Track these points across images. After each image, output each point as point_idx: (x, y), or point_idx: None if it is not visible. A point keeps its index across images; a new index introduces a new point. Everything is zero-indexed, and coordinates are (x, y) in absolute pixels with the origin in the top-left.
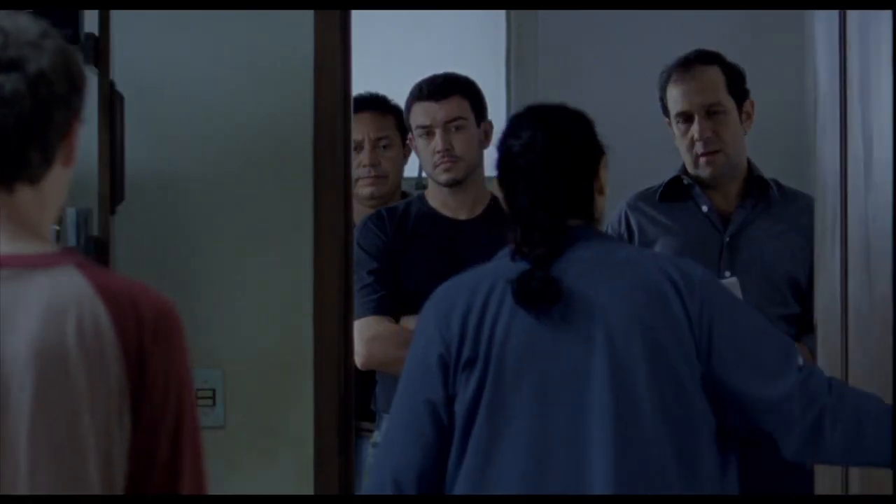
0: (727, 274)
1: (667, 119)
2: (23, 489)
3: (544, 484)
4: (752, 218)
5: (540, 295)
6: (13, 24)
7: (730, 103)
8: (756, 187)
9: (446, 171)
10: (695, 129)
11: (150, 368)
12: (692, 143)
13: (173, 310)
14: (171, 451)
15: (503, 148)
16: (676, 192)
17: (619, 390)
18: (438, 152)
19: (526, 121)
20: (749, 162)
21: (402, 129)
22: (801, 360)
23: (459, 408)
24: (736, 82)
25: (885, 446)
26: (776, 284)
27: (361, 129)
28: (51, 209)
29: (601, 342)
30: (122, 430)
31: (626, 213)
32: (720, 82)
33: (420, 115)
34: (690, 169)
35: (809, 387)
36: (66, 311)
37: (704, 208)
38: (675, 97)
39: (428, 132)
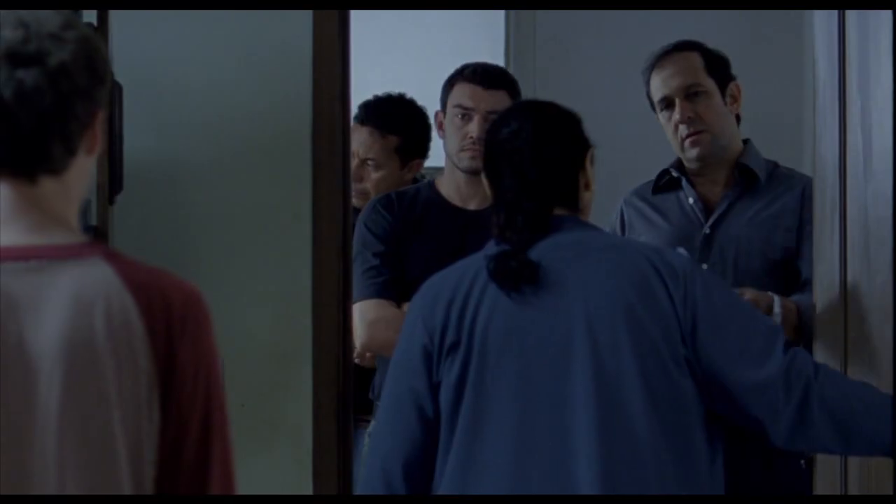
0: (705, 266)
1: (656, 114)
2: (52, 481)
3: (531, 467)
4: (732, 208)
5: (516, 275)
6: (34, 15)
7: (710, 84)
8: (742, 174)
9: (472, 158)
10: (676, 112)
11: (178, 359)
12: (676, 128)
13: (201, 300)
14: (200, 440)
15: (490, 137)
16: (668, 184)
17: (600, 371)
18: (471, 138)
19: (514, 113)
20: (746, 146)
21: (406, 151)
22: (784, 345)
23: (445, 393)
24: (717, 66)
25: (880, 434)
26: (753, 274)
27: (356, 142)
28: (75, 198)
29: (582, 324)
30: (152, 422)
31: (621, 209)
32: (699, 65)
33: (464, 95)
34: (678, 153)
35: (794, 369)
36: (94, 302)
37: (690, 200)
38: (656, 85)
39: (465, 114)
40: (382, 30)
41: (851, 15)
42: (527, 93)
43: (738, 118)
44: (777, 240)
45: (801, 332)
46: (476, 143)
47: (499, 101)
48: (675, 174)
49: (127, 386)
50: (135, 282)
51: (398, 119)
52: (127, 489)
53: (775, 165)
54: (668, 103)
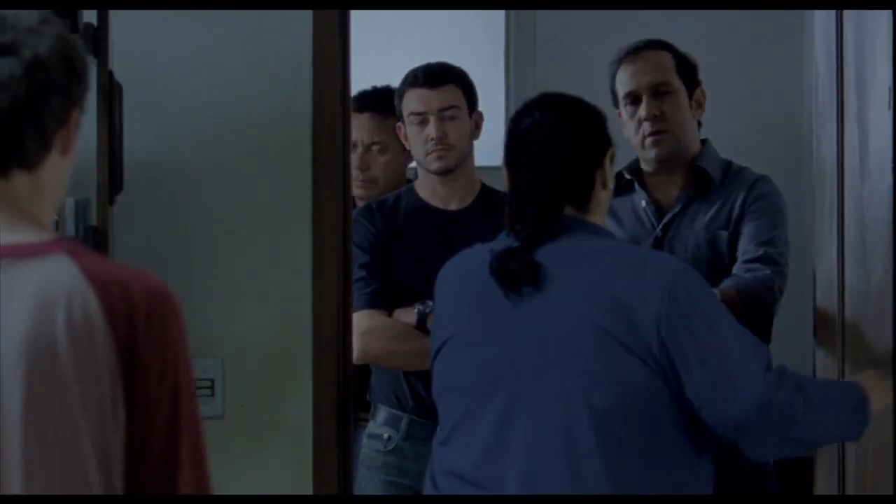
0: None
1: (617, 111)
2: (17, 481)
3: (473, 457)
4: (685, 211)
5: (518, 275)
6: (14, 12)
7: (679, 85)
8: (696, 176)
9: (438, 158)
10: (642, 108)
11: (142, 356)
12: (640, 124)
13: (168, 295)
14: (167, 438)
15: (512, 126)
16: (625, 187)
17: (552, 369)
18: (432, 139)
19: (538, 104)
20: (704, 146)
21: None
22: (768, 362)
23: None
24: (687, 69)
25: (846, 429)
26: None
27: (357, 130)
28: (49, 198)
29: (551, 320)
30: (117, 419)
31: None
32: (670, 65)
33: (414, 101)
34: (637, 151)
35: (777, 394)
36: (56, 301)
37: (643, 202)
38: (624, 80)
39: (421, 119)
40: (382, 30)
41: (849, 15)
42: (527, 90)
43: (698, 125)
44: (722, 243)
45: (748, 315)
46: (438, 143)
47: (449, 96)
48: (627, 177)
49: (90, 383)
50: (98, 278)
51: (390, 103)
52: (96, 486)
53: (729, 165)
54: (633, 98)
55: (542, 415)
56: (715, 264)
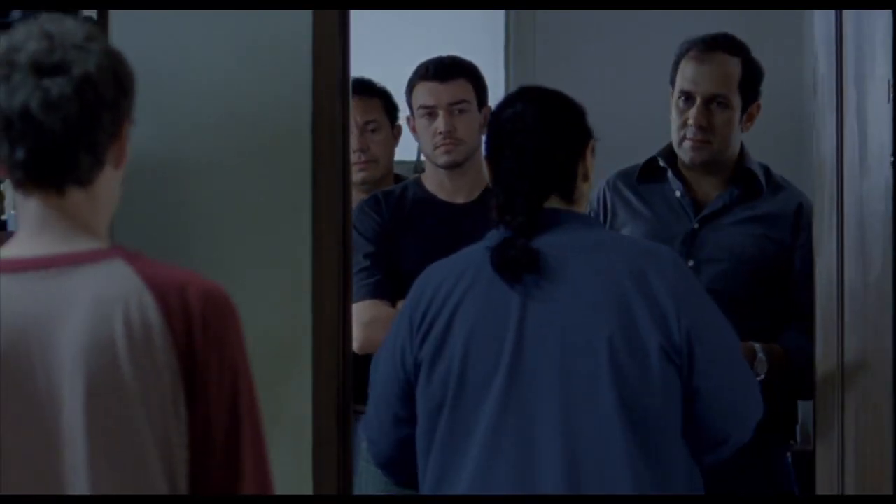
0: (691, 263)
1: (671, 88)
2: (83, 481)
3: (496, 463)
4: (728, 209)
5: (518, 263)
6: (59, 27)
7: (736, 101)
8: (742, 177)
9: (447, 152)
10: (692, 113)
11: (201, 356)
12: (684, 124)
13: (224, 296)
14: (228, 436)
15: (493, 119)
16: (654, 173)
17: (565, 367)
18: (440, 133)
19: (519, 97)
20: (742, 149)
21: (390, 111)
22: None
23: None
24: (751, 81)
25: None
26: (741, 281)
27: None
28: (104, 210)
29: (558, 322)
30: (179, 419)
31: (604, 192)
32: (735, 77)
33: (424, 95)
34: (674, 144)
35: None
36: (114, 305)
37: (677, 193)
38: (686, 75)
39: (430, 113)
40: (382, 29)
41: (849, 13)
42: None
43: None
44: (769, 252)
45: (793, 377)
46: (446, 138)
47: (459, 90)
48: (661, 164)
49: (149, 384)
50: (155, 281)
51: (371, 84)
52: (160, 487)
53: (767, 169)
54: (687, 97)
55: (575, 413)
56: (760, 269)
